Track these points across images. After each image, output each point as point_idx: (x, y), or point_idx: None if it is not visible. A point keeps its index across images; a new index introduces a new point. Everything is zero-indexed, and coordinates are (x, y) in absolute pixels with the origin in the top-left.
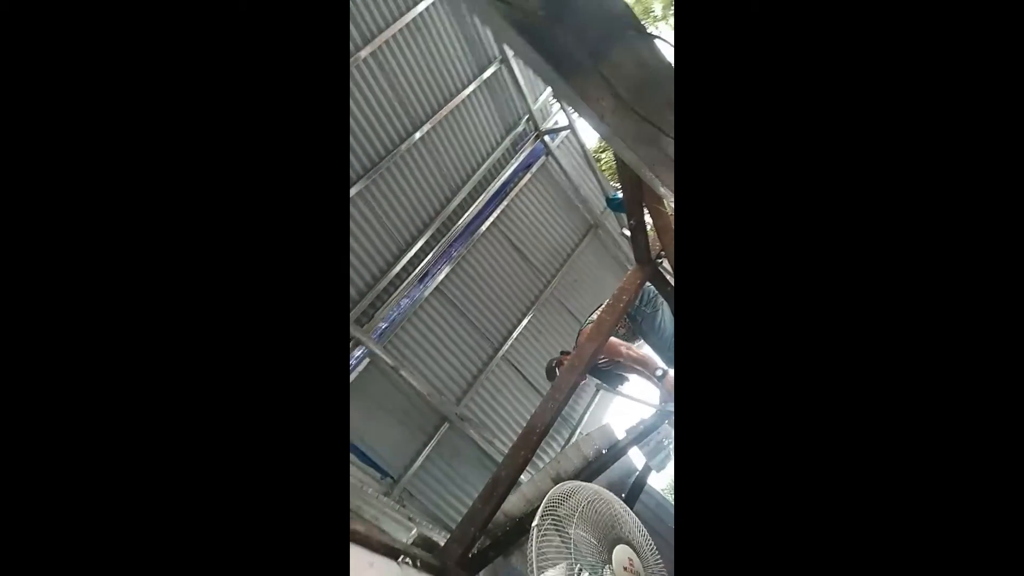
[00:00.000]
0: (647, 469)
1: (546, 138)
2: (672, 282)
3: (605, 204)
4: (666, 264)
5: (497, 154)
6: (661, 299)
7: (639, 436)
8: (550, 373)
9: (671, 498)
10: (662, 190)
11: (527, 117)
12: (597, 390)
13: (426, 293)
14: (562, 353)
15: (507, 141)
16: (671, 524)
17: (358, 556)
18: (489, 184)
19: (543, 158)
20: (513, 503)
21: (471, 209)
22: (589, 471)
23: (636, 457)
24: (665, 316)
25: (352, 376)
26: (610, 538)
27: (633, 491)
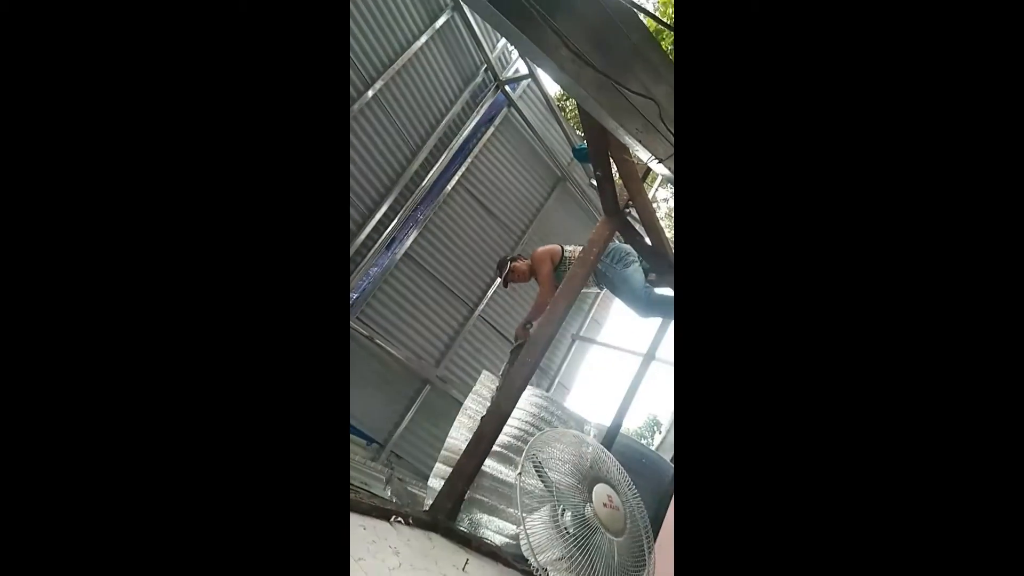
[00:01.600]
0: (622, 415)
1: (507, 88)
2: (641, 231)
3: (572, 155)
4: (634, 213)
5: (457, 108)
6: (633, 255)
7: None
8: (502, 264)
9: (644, 442)
10: (627, 139)
11: (485, 67)
12: (573, 342)
13: (395, 259)
14: (520, 255)
15: (466, 94)
16: (644, 460)
17: (350, 519)
18: (451, 141)
19: (505, 110)
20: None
21: (434, 169)
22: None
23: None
24: (633, 267)
25: None
26: (589, 479)
27: (609, 436)
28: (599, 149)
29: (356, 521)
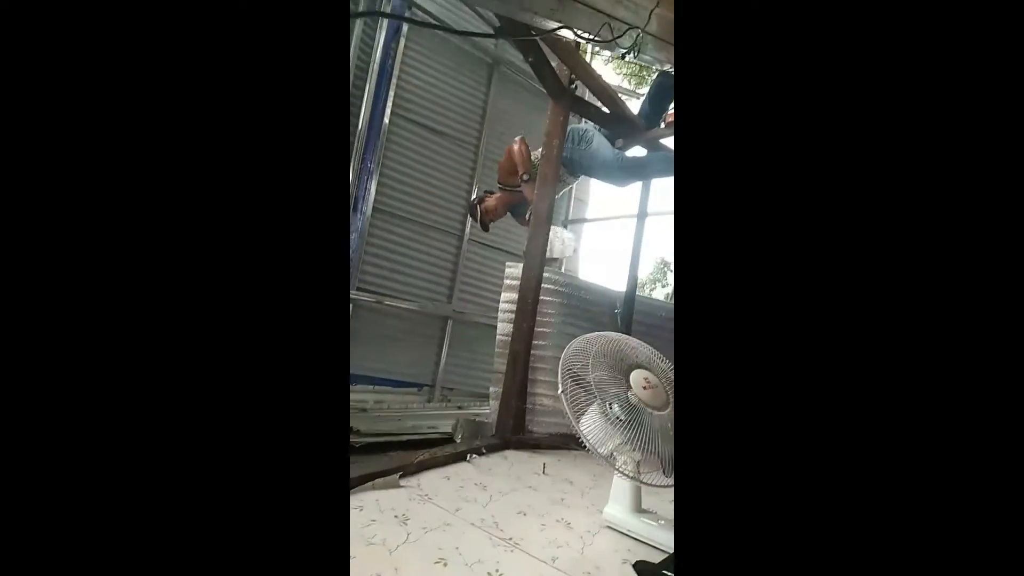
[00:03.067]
0: (633, 283)
1: None
2: (597, 103)
3: (495, 34)
4: (580, 85)
5: (357, 32)
6: (592, 131)
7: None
8: (472, 211)
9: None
10: (547, 24)
11: None
12: (565, 228)
13: (367, 218)
14: (486, 192)
15: (361, 7)
16: (668, 316)
17: (433, 475)
18: (367, 74)
19: (407, 13)
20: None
21: (363, 108)
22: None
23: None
24: (596, 141)
25: None
26: (623, 368)
27: (627, 304)
28: (520, 32)
29: (440, 474)
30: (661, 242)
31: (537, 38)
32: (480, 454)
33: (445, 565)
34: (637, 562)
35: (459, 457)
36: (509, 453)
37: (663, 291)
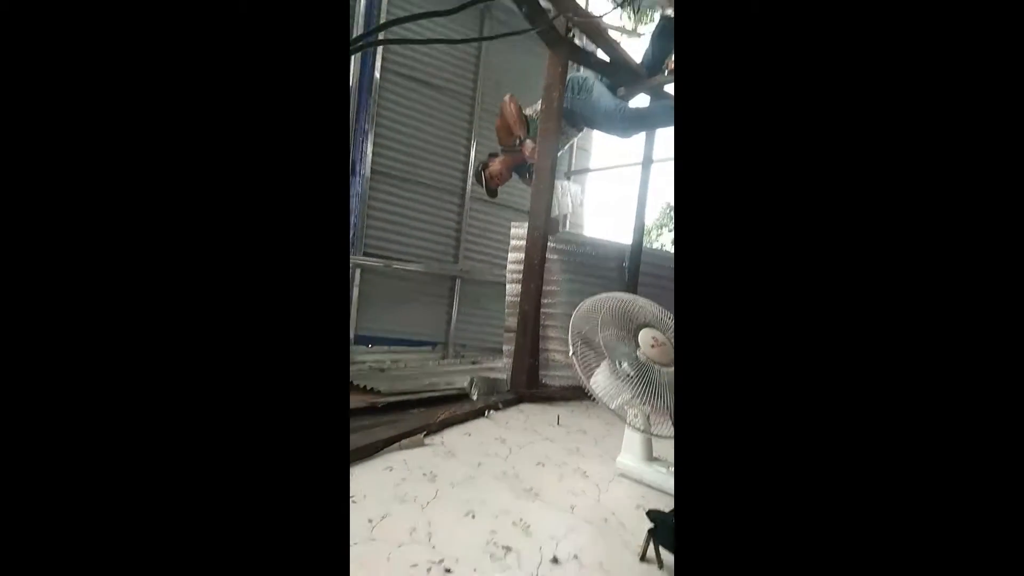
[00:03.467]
0: (639, 235)
1: None
2: (596, 47)
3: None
4: (577, 32)
5: None
6: (591, 80)
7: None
8: (478, 177)
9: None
10: None
11: None
12: (568, 180)
13: (366, 181)
14: (490, 155)
15: None
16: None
17: (455, 432)
18: (351, 25)
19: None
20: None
21: (351, 64)
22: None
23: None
24: (597, 90)
25: (354, 293)
26: (632, 328)
27: (633, 257)
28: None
29: (462, 431)
30: (667, 188)
31: None
32: (497, 409)
33: (473, 517)
34: (650, 510)
35: (478, 413)
36: (524, 407)
37: (669, 235)
